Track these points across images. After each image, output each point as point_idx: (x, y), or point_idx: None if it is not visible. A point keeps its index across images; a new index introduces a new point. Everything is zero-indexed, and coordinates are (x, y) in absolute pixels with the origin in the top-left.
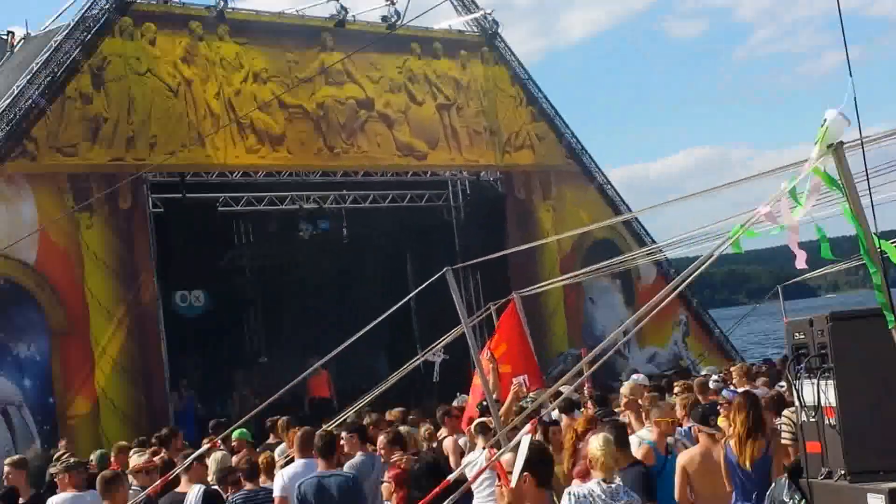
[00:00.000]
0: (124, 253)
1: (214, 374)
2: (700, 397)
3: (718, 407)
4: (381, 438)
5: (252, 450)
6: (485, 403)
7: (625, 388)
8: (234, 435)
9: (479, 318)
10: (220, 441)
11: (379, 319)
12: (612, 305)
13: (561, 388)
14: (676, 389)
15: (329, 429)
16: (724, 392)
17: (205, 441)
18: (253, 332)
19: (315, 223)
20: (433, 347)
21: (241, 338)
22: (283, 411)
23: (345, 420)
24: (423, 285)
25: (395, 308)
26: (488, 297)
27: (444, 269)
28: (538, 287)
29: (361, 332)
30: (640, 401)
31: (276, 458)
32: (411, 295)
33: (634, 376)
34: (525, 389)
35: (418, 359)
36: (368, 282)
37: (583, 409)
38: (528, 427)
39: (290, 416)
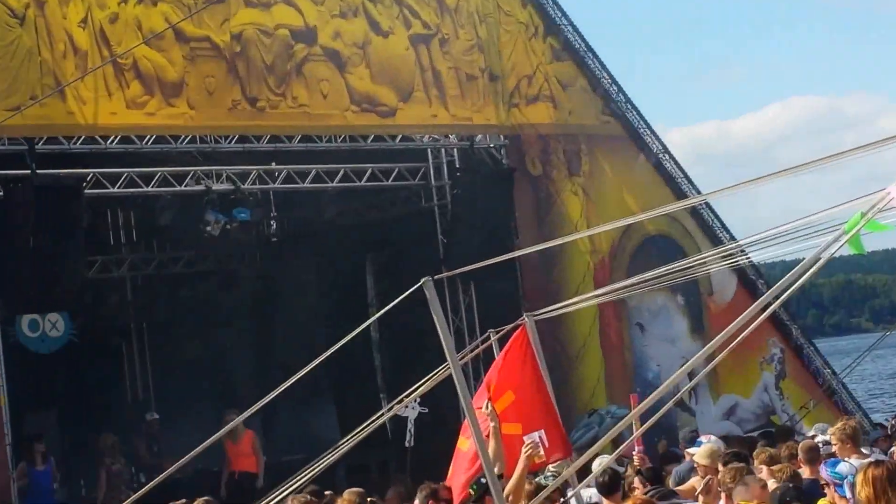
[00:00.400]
0: None
1: (78, 438)
2: (807, 469)
3: (822, 486)
4: None
5: None
6: (483, 480)
7: (700, 455)
8: None
9: (473, 353)
10: None
11: (324, 356)
12: (672, 334)
13: (596, 459)
14: (764, 457)
15: None
16: (830, 469)
17: None
18: (137, 375)
19: (229, 213)
20: (405, 397)
21: (120, 384)
22: (187, 493)
23: None
24: (391, 305)
25: (347, 339)
26: (488, 323)
27: (422, 281)
28: (561, 307)
29: (298, 376)
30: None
31: None
32: (372, 319)
33: (703, 439)
34: (542, 453)
35: (383, 413)
36: (308, 300)
37: (630, 489)
38: None
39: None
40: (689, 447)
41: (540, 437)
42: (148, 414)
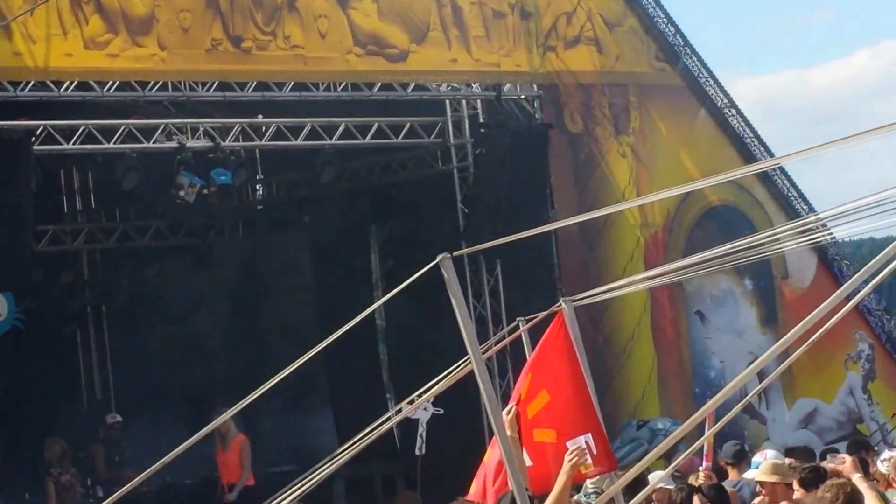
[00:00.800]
0: None
1: (21, 445)
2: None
3: None
4: None
5: None
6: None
7: (764, 471)
8: None
9: (500, 346)
10: None
11: (318, 349)
12: (738, 326)
13: (646, 474)
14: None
15: None
16: None
17: None
18: (94, 369)
19: (206, 175)
20: (417, 397)
21: (73, 380)
22: None
23: None
24: (400, 287)
25: (346, 328)
26: (516, 309)
27: (439, 258)
28: (605, 291)
29: (287, 372)
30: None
31: None
32: (377, 305)
33: (770, 452)
34: (590, 462)
35: (390, 417)
36: (300, 280)
37: None
38: None
39: None
40: (734, 462)
41: (587, 442)
42: (108, 416)
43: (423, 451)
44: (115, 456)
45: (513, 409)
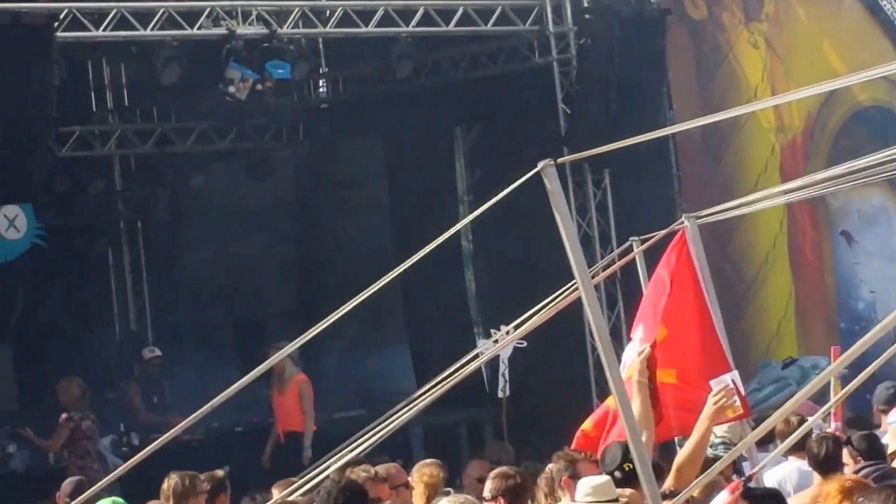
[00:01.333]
0: None
1: (45, 385)
2: None
3: None
4: None
5: None
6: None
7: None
8: None
9: (610, 271)
10: None
11: (393, 274)
12: (893, 249)
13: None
14: None
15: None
16: None
17: None
18: (128, 295)
19: (261, 68)
20: (513, 329)
21: (103, 308)
22: (199, 463)
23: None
24: (491, 202)
25: (427, 250)
26: (629, 227)
27: (540, 166)
28: (733, 206)
29: (357, 302)
30: None
31: None
32: (465, 222)
33: None
34: (739, 404)
35: (479, 353)
36: (370, 193)
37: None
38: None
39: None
40: (887, 408)
41: (733, 381)
42: (146, 349)
43: (508, 393)
44: (152, 397)
45: (646, 351)
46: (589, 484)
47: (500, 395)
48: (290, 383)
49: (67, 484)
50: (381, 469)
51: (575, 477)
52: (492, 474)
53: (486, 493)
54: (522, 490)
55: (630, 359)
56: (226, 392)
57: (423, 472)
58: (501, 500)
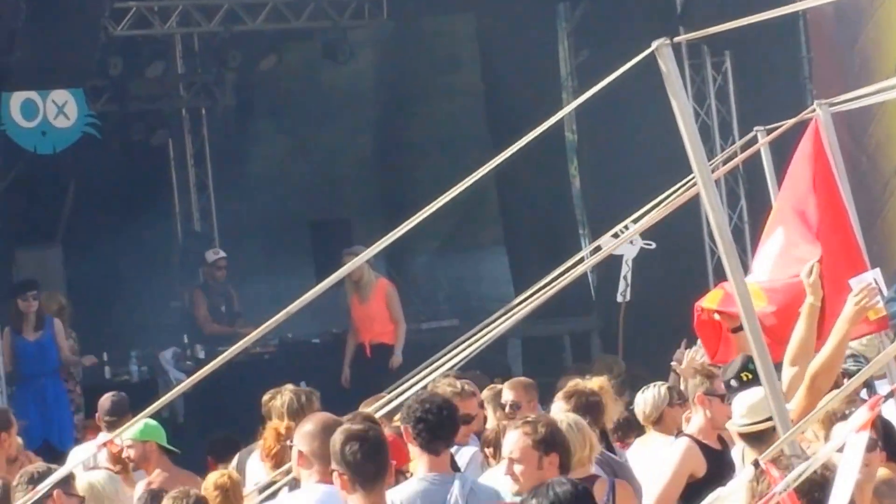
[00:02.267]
0: None
1: (99, 288)
2: None
3: None
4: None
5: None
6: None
7: None
8: (136, 434)
9: (732, 164)
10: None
11: (489, 167)
12: None
13: None
14: None
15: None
16: None
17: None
18: (190, 190)
19: None
20: (623, 230)
21: (164, 205)
22: (273, 377)
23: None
24: (601, 85)
25: (527, 140)
26: (753, 116)
27: (654, 45)
28: (872, 93)
29: (448, 197)
30: None
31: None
32: (568, 109)
33: None
34: (881, 307)
35: (584, 257)
36: (463, 78)
37: None
38: (861, 418)
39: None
40: None
41: (875, 280)
42: (209, 251)
43: (628, 298)
44: (220, 305)
45: (814, 269)
46: (745, 403)
47: (620, 299)
48: (374, 289)
49: (105, 400)
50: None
51: (711, 394)
52: (567, 390)
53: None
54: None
55: (764, 266)
56: (302, 299)
57: (510, 385)
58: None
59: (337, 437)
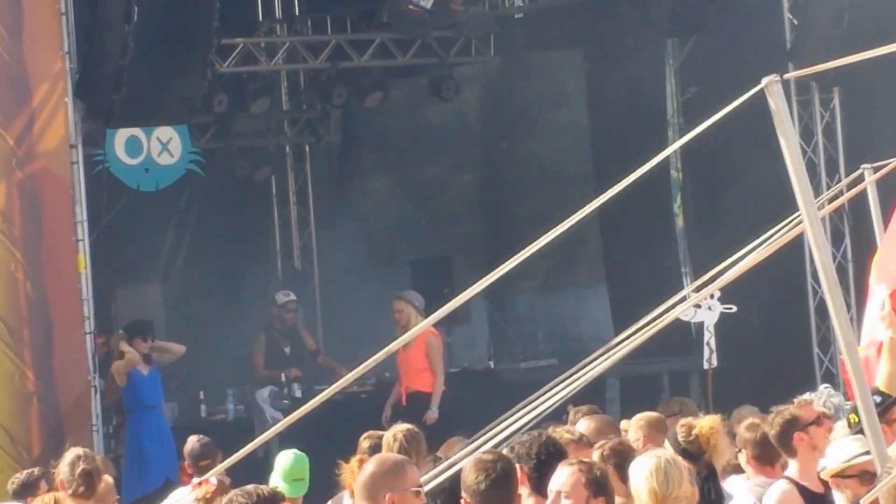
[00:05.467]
0: None
1: (199, 327)
2: None
3: None
4: None
5: None
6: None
7: None
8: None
9: (838, 203)
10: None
11: (592, 206)
12: None
13: None
14: None
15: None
16: None
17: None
18: (293, 227)
19: None
20: (721, 272)
21: (266, 241)
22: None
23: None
24: (709, 122)
25: (631, 180)
26: (862, 154)
27: (764, 83)
28: None
29: (552, 236)
30: None
31: None
32: (675, 147)
33: None
34: None
35: (687, 295)
36: (569, 115)
37: None
38: None
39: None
40: None
41: None
42: (280, 293)
43: (714, 364)
44: (284, 347)
45: (885, 303)
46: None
47: (706, 366)
48: (417, 337)
49: (195, 445)
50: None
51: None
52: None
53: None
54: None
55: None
56: (399, 340)
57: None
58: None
59: (467, 467)
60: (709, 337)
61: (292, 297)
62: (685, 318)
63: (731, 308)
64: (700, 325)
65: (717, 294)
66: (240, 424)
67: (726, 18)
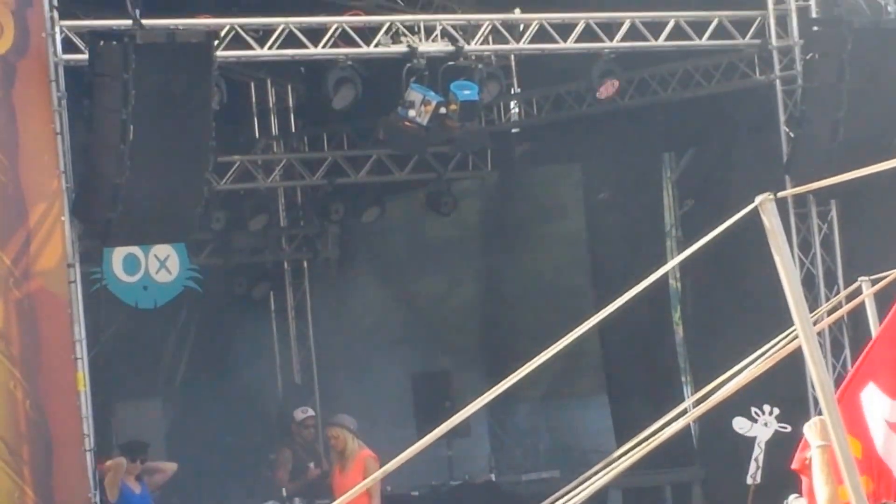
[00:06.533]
0: None
1: (198, 442)
2: None
3: None
4: None
5: None
6: None
7: None
8: None
9: (836, 315)
10: None
11: (594, 321)
12: None
13: None
14: None
15: None
16: None
17: None
18: (292, 343)
19: (445, 89)
20: (723, 382)
21: (265, 358)
22: None
23: None
24: (705, 240)
25: (634, 293)
26: (858, 267)
27: (758, 200)
28: None
29: (554, 351)
30: None
31: None
32: (675, 262)
33: None
34: None
35: (688, 407)
36: (567, 227)
37: None
38: None
39: None
40: None
41: None
42: (298, 410)
43: (758, 481)
44: (308, 462)
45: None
46: None
47: (750, 481)
48: (354, 461)
49: None
50: None
51: None
52: None
53: None
54: None
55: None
56: (400, 457)
57: None
58: None
59: None
60: (758, 453)
61: (311, 412)
62: (740, 431)
63: (786, 427)
64: (752, 439)
65: (777, 411)
66: None
67: (723, 131)
